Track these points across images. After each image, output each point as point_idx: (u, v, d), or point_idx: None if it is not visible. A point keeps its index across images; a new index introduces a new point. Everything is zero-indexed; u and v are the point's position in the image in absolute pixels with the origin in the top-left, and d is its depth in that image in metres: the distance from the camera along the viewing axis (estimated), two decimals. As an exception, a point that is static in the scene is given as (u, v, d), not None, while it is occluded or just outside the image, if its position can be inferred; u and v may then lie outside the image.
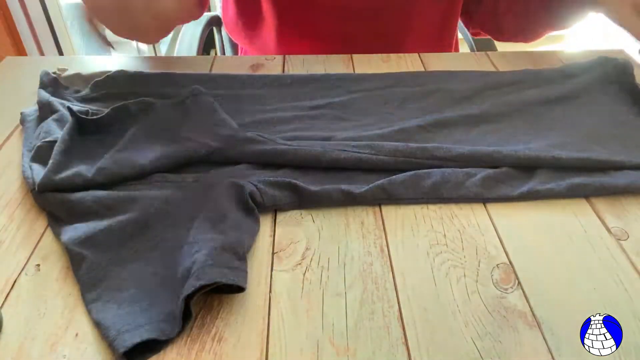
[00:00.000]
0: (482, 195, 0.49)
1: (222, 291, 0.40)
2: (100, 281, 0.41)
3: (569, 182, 0.50)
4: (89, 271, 0.41)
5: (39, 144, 0.52)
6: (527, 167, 0.52)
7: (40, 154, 0.51)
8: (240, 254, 0.41)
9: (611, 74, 0.66)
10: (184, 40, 1.00)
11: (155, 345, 0.36)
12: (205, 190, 0.48)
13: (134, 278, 0.41)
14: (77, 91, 0.63)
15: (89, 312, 0.39)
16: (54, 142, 0.51)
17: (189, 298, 0.37)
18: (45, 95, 0.60)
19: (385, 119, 0.60)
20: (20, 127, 0.60)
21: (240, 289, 0.39)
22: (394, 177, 0.50)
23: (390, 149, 0.52)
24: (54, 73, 0.64)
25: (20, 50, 1.46)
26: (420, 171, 0.50)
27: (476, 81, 0.66)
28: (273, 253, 0.44)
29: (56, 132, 0.53)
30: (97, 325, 0.38)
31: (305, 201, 0.49)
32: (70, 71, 0.66)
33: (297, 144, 0.52)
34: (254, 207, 0.47)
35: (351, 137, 0.55)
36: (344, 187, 0.49)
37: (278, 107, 0.62)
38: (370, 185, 0.49)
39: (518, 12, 0.78)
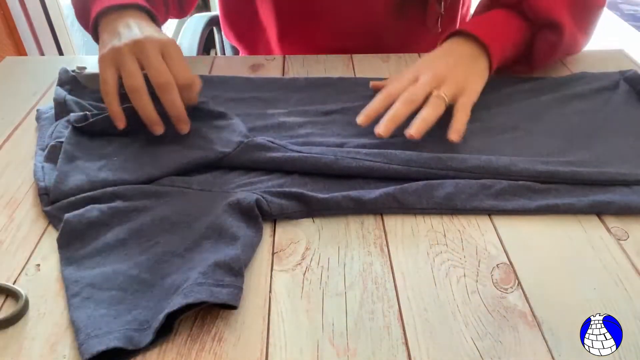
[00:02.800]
0: (497, 207, 0.48)
1: (217, 306, 0.39)
2: (84, 275, 0.41)
3: (592, 199, 0.48)
4: (76, 259, 0.42)
5: (52, 143, 0.52)
6: (545, 181, 0.50)
7: (54, 154, 0.51)
8: (235, 270, 0.40)
9: (629, 85, 0.65)
10: (184, 40, 1.00)
11: (125, 352, 0.36)
12: (208, 201, 0.48)
13: (118, 279, 0.41)
14: (95, 91, 0.63)
15: (69, 307, 0.39)
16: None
17: (173, 314, 0.37)
18: (62, 93, 0.60)
19: (401, 125, 0.59)
20: (21, 126, 0.60)
21: (232, 307, 0.39)
22: (405, 185, 0.49)
23: (403, 158, 0.51)
24: (73, 71, 0.64)
25: (20, 50, 1.46)
26: (433, 181, 0.49)
27: (494, 89, 0.65)
28: (273, 253, 0.44)
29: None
30: (71, 324, 0.38)
31: (313, 209, 0.48)
32: (89, 70, 0.65)
33: (307, 151, 0.52)
34: (258, 215, 0.46)
35: (364, 144, 0.54)
36: (354, 194, 0.48)
37: (291, 110, 0.62)
38: (381, 193, 0.48)
39: None
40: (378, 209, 0.48)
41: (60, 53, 1.58)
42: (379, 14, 0.77)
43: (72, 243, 0.44)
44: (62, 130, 0.54)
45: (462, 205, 0.48)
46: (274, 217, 0.48)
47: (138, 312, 0.38)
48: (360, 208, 0.48)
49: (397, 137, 0.56)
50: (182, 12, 0.79)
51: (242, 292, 0.39)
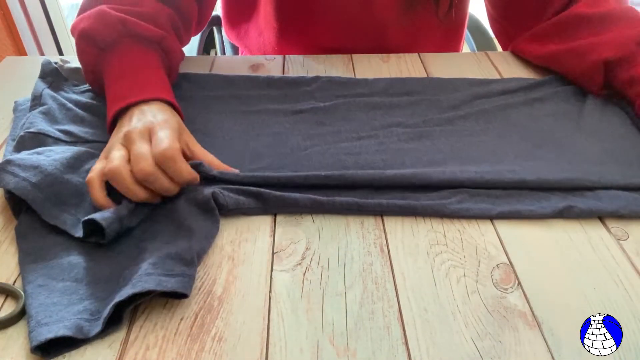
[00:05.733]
0: (459, 212, 0.48)
1: (171, 296, 0.40)
2: (41, 265, 0.41)
3: (555, 206, 0.48)
4: (33, 249, 0.43)
5: (21, 133, 0.53)
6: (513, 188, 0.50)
7: (23, 144, 0.52)
8: (186, 259, 0.41)
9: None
10: (184, 40, 1.00)
11: (75, 341, 0.36)
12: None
13: (73, 270, 0.41)
14: (76, 85, 0.64)
15: (24, 291, 0.39)
16: (37, 133, 0.52)
17: (123, 304, 0.37)
18: (41, 86, 0.61)
19: (367, 126, 0.59)
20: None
21: (184, 296, 0.39)
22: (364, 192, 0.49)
23: (366, 178, 0.50)
24: (56, 63, 0.65)
25: (21, 50, 1.46)
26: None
27: (465, 90, 0.65)
28: (273, 253, 0.44)
29: (41, 124, 0.54)
30: (25, 309, 0.38)
31: (270, 206, 0.48)
32: (72, 64, 0.66)
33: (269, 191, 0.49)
34: (214, 207, 0.46)
35: (326, 150, 0.54)
36: (312, 195, 0.48)
37: (262, 109, 0.62)
38: (345, 198, 0.48)
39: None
40: (336, 209, 0.48)
41: (60, 53, 1.58)
42: (385, 9, 0.76)
43: (30, 234, 0.44)
44: (33, 121, 0.55)
45: (423, 211, 0.48)
46: (230, 210, 0.47)
47: (90, 302, 0.39)
48: (317, 208, 0.48)
49: (363, 140, 0.56)
50: (198, 30, 0.76)
51: (194, 281, 0.40)
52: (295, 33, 0.80)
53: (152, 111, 0.50)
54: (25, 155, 0.47)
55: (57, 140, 0.53)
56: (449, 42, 0.85)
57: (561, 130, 0.58)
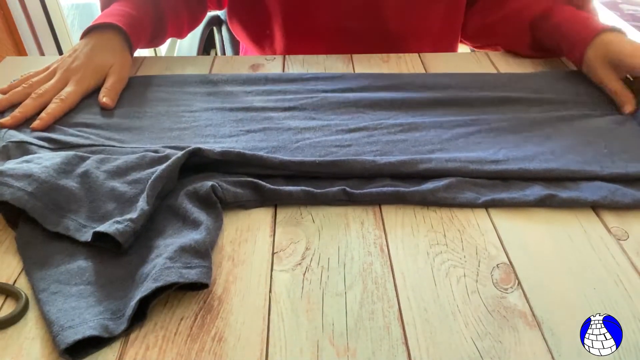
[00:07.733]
0: (444, 201, 0.49)
1: (190, 288, 0.40)
2: (49, 272, 0.41)
3: (537, 194, 0.48)
4: (38, 258, 0.42)
5: (3, 144, 0.52)
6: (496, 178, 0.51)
7: (7, 154, 0.51)
8: (201, 252, 0.41)
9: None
10: (184, 40, 1.00)
11: (99, 341, 0.36)
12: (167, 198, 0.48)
13: (84, 274, 0.41)
14: None
15: (38, 301, 0.39)
16: (20, 142, 0.52)
17: (146, 300, 0.37)
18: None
19: (357, 119, 0.60)
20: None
21: (204, 286, 0.40)
22: (356, 181, 0.50)
23: (356, 167, 0.51)
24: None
25: (21, 50, 1.46)
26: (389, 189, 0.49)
27: (455, 84, 0.66)
28: (273, 253, 0.45)
29: (20, 135, 0.54)
30: (43, 317, 0.38)
31: (267, 199, 0.49)
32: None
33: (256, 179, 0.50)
34: (216, 201, 0.47)
35: (317, 143, 0.55)
36: (306, 188, 0.49)
37: (249, 106, 0.62)
38: (333, 188, 0.49)
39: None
40: (329, 200, 0.49)
41: (60, 53, 1.58)
42: None
43: (33, 244, 0.44)
44: (13, 134, 0.54)
45: (411, 198, 0.49)
46: (228, 204, 0.48)
47: (109, 302, 0.39)
48: (311, 199, 0.49)
49: (353, 133, 0.57)
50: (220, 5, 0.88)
51: (212, 271, 0.41)
52: (297, 15, 0.80)
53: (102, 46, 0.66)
54: (16, 165, 0.47)
55: (41, 148, 0.53)
56: (448, 22, 0.85)
57: (550, 123, 0.59)
